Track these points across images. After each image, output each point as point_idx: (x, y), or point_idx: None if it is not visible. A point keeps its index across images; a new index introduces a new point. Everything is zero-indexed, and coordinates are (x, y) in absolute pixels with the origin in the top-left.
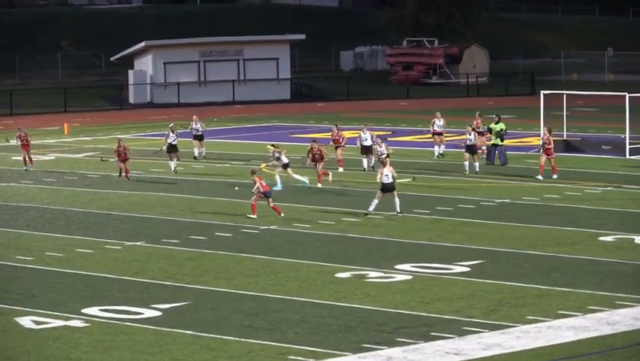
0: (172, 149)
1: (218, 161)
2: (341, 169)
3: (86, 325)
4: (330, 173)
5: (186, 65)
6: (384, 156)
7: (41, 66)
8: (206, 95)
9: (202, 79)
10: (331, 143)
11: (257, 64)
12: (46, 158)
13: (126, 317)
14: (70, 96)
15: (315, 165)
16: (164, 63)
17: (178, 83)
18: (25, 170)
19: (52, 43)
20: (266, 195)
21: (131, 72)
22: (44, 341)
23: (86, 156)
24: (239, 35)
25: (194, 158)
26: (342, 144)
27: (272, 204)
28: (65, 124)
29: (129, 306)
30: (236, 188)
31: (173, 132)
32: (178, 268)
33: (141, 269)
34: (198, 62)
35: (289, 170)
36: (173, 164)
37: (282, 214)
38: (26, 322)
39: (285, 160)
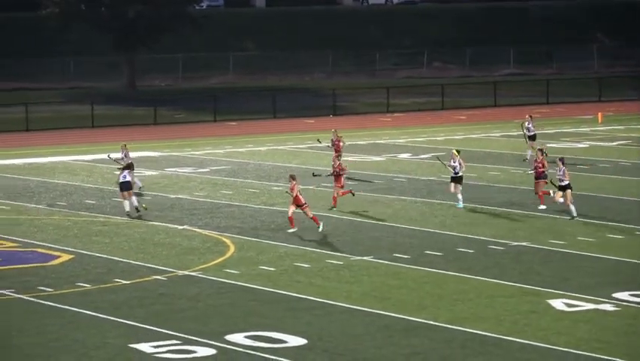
0: (531, 138)
1: None
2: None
3: (616, 309)
4: None
5: None
6: None
7: (577, 57)
8: None
9: None
10: None
11: None
12: (580, 145)
13: None
14: (605, 86)
15: None
16: None
17: None
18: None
19: (588, 35)
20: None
21: None
22: (575, 323)
23: (619, 145)
24: None
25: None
26: None
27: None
28: (599, 113)
29: None
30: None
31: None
32: None
33: None
34: None
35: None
36: None
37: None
38: (558, 304)
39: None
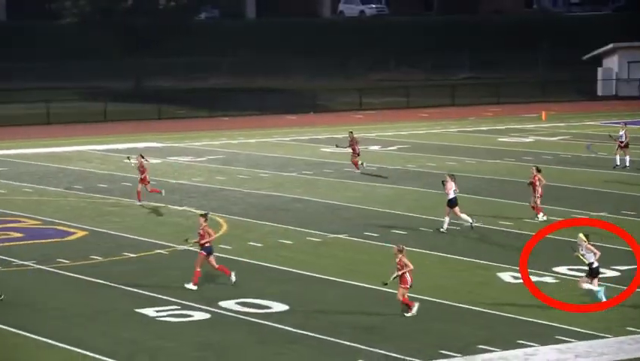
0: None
1: None
2: None
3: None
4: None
5: None
6: None
7: (523, 62)
8: None
9: None
10: None
11: None
12: (526, 140)
13: None
14: (548, 89)
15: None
16: (628, 62)
17: (639, 79)
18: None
19: (532, 44)
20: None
21: (599, 69)
22: None
23: (560, 139)
24: None
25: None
26: None
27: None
28: (543, 112)
29: None
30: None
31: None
32: None
33: None
34: None
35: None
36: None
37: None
38: None
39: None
